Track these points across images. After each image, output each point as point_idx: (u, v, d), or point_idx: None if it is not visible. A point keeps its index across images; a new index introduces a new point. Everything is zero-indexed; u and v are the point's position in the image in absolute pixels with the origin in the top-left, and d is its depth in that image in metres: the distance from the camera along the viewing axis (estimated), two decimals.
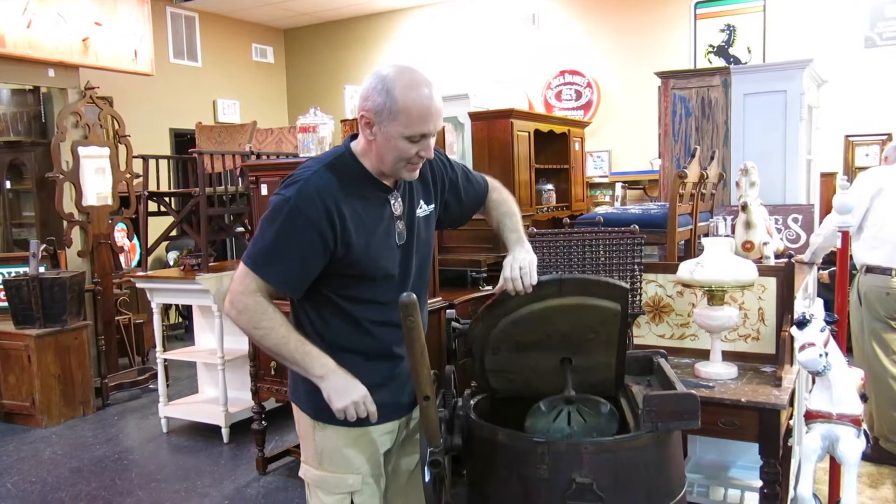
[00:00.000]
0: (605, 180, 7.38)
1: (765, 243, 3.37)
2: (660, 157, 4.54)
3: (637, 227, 2.79)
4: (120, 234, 6.21)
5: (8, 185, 6.03)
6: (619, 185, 7.11)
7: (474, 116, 4.95)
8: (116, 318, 5.90)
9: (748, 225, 3.38)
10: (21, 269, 5.03)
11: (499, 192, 2.12)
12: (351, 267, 1.75)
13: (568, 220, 2.93)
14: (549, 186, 5.59)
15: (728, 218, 3.81)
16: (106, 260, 5.70)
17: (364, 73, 8.89)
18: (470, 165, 5.16)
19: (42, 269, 5.08)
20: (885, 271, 3.76)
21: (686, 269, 2.63)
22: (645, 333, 3.02)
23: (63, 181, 5.41)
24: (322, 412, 1.80)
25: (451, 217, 2.05)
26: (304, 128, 3.57)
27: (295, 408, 1.90)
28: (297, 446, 3.69)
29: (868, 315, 3.81)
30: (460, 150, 5.22)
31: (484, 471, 1.89)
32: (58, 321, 4.95)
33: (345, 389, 1.72)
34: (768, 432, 2.35)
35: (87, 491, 3.75)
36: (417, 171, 1.78)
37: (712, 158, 3.87)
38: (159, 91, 7.83)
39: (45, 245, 5.17)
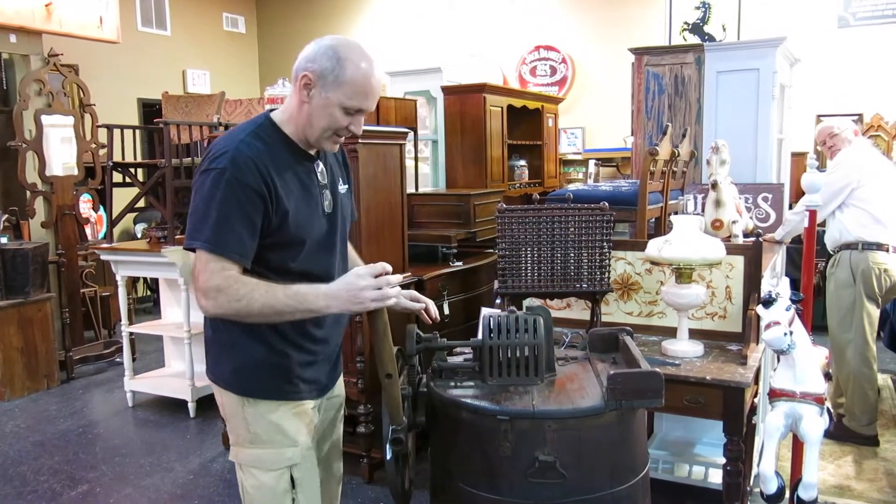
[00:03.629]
0: (579, 157, 7.37)
1: (734, 222, 3.39)
2: (632, 135, 4.53)
3: (607, 204, 2.77)
4: (85, 206, 6.06)
5: None
6: (592, 163, 7.10)
7: (447, 91, 4.90)
8: (82, 290, 5.79)
9: (718, 203, 3.39)
10: None
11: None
12: (282, 235, 1.69)
13: (538, 197, 2.90)
14: (522, 163, 5.58)
15: (698, 196, 3.81)
16: (70, 231, 5.57)
17: None
18: (442, 141, 5.13)
19: (4, 240, 4.95)
20: (879, 247, 3.76)
21: (654, 247, 2.62)
22: (613, 311, 3.02)
23: (26, 150, 5.26)
24: (251, 388, 1.76)
25: None
26: (272, 99, 3.49)
27: (218, 389, 1.81)
28: None
29: (863, 291, 3.77)
30: (433, 124, 5.17)
31: (447, 448, 1.88)
32: (20, 293, 4.84)
33: (351, 293, 1.62)
34: (732, 410, 2.37)
35: (49, 465, 3.70)
36: (337, 145, 1.80)
37: (684, 136, 3.87)
38: (127, 60, 7.63)
39: (6, 215, 5.04)
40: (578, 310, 3.10)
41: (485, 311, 1.98)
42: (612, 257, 2.95)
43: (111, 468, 3.67)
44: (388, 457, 1.79)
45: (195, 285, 1.65)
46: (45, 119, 5.34)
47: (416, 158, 4.94)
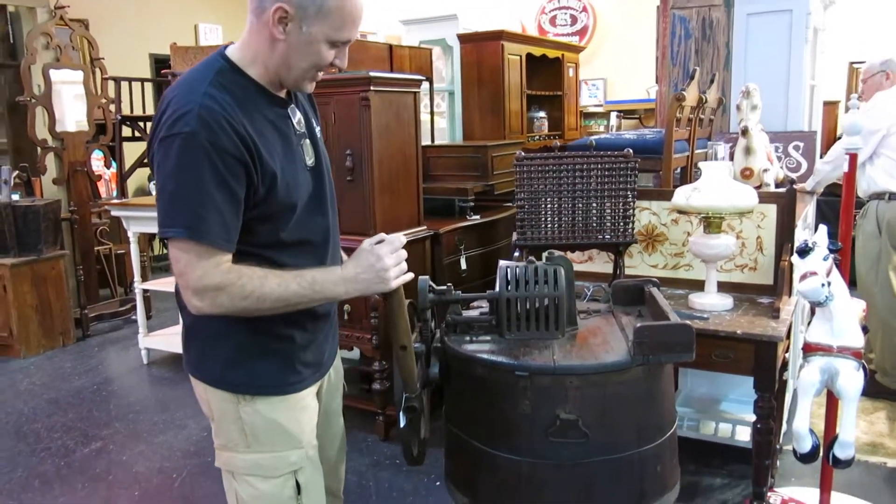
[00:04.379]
0: (600, 109, 7.15)
1: (765, 170, 3.22)
2: (657, 83, 4.34)
3: (631, 150, 2.62)
4: (97, 162, 5.99)
5: None
6: (614, 115, 6.90)
7: (463, 39, 4.72)
8: (97, 248, 5.74)
9: (748, 150, 3.21)
10: None
11: None
12: (271, 204, 1.43)
13: (558, 144, 2.75)
14: (542, 114, 5.41)
15: (727, 145, 3.64)
16: (83, 188, 5.50)
17: None
18: (459, 92, 4.95)
19: (16, 197, 4.89)
20: None
21: (682, 195, 2.48)
22: (637, 263, 2.90)
23: (35, 105, 5.16)
24: (247, 383, 1.52)
25: None
26: None
27: (201, 386, 1.55)
28: None
29: (888, 244, 3.64)
30: (449, 75, 4.99)
31: (462, 406, 1.78)
32: (33, 250, 4.79)
33: (373, 273, 1.44)
34: (764, 365, 2.25)
35: (63, 422, 3.68)
36: (315, 84, 1.52)
37: (712, 82, 3.67)
38: (137, 14, 7.45)
39: (17, 172, 4.96)
40: (601, 262, 2.98)
41: (503, 262, 1.85)
42: (637, 207, 2.81)
43: (125, 425, 3.63)
44: (402, 424, 1.69)
45: (181, 283, 1.38)
46: (53, 74, 5.23)
47: (431, 111, 4.80)
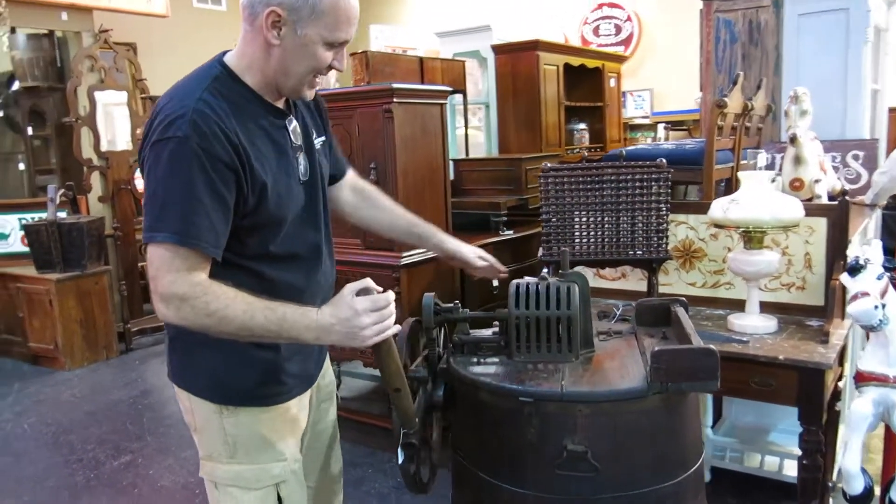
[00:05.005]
0: (647, 121, 6.94)
1: (816, 181, 3.00)
2: (701, 90, 4.14)
3: (664, 160, 2.46)
4: (141, 181, 6.08)
5: (30, 131, 5.94)
6: (661, 126, 6.67)
7: (497, 49, 4.62)
8: (140, 263, 5.81)
9: (798, 160, 3.01)
10: (42, 215, 4.93)
11: (386, 198, 1.86)
12: (261, 214, 1.39)
13: (586, 155, 2.61)
14: (582, 126, 5.25)
15: (777, 156, 3.43)
16: (127, 205, 5.58)
17: (391, 9, 8.51)
18: (493, 106, 4.84)
19: (62, 215, 4.98)
20: None
21: (719, 207, 2.30)
22: (674, 281, 2.72)
23: (80, 126, 5.27)
24: (232, 394, 1.47)
25: None
26: None
27: (185, 395, 1.51)
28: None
29: None
30: (485, 88, 4.90)
31: (467, 433, 1.66)
32: (77, 266, 4.87)
33: (348, 328, 1.29)
34: (810, 395, 2.05)
35: (97, 434, 3.69)
36: (314, 91, 1.47)
37: (759, 87, 3.47)
38: (183, 37, 7.60)
39: (63, 190, 5.06)
40: (635, 280, 2.81)
41: (516, 280, 1.73)
42: (672, 221, 2.65)
43: (155, 439, 3.62)
44: (401, 461, 1.57)
45: (152, 286, 1.32)
46: (98, 95, 5.34)
47: (465, 123, 4.70)
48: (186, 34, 7.69)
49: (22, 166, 6.04)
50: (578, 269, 2.93)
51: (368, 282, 1.33)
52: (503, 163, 3.99)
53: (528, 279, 1.74)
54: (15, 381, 4.57)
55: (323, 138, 1.61)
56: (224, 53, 1.45)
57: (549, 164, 2.57)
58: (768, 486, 2.79)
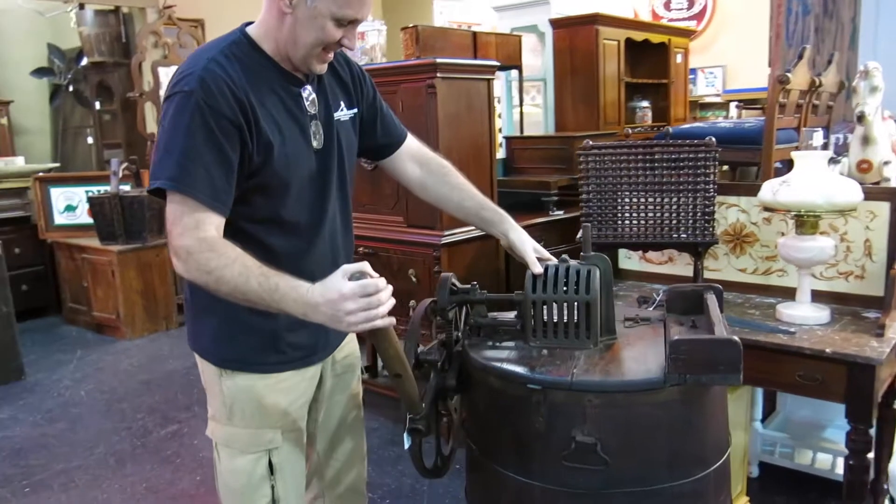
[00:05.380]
0: (718, 99, 6.63)
1: (886, 163, 2.78)
2: (769, 66, 3.91)
3: (713, 139, 2.32)
4: None
5: (98, 105, 6.14)
6: (733, 105, 6.37)
7: (555, 24, 4.48)
8: None
9: (866, 140, 2.79)
10: (106, 188, 5.10)
11: (457, 174, 1.82)
12: (267, 175, 1.41)
13: (629, 132, 2.49)
14: (645, 104, 5.05)
15: (849, 135, 3.21)
16: None
17: None
18: (551, 82, 4.71)
19: (125, 188, 5.14)
20: None
21: (769, 189, 2.16)
22: (723, 266, 2.59)
23: (144, 101, 5.42)
24: (229, 357, 1.52)
25: (364, 145, 1.70)
26: None
27: (197, 357, 1.59)
28: (368, 367, 3.54)
29: None
30: (544, 65, 4.76)
31: (478, 419, 1.61)
32: (138, 238, 5.02)
33: (333, 311, 1.26)
34: (858, 391, 1.92)
35: (149, 403, 3.80)
36: (326, 65, 1.48)
37: (829, 62, 3.25)
38: (252, 12, 7.68)
39: (126, 164, 5.22)
40: (682, 265, 2.69)
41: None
42: (724, 204, 2.52)
43: (203, 409, 3.63)
44: (407, 446, 1.53)
45: (168, 239, 1.36)
46: (161, 70, 5.46)
47: (520, 100, 4.59)
48: (257, 10, 7.80)
49: (90, 140, 6.25)
50: (623, 252, 2.84)
51: (365, 266, 1.30)
52: (556, 141, 3.88)
53: (549, 261, 1.66)
54: (78, 348, 4.76)
55: (354, 111, 1.61)
56: (249, 23, 1.49)
57: (590, 142, 2.48)
58: (819, 484, 2.64)
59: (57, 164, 6.11)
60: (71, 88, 6.35)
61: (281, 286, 1.29)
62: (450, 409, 1.73)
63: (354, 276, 1.26)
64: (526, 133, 4.61)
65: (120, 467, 3.08)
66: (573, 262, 1.61)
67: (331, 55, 1.47)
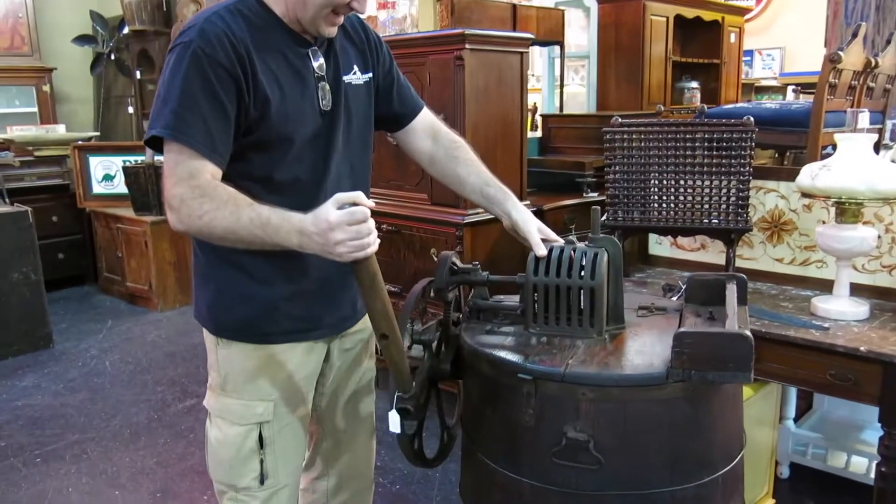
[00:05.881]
0: (775, 82, 6.33)
1: None
2: (825, 46, 3.68)
3: (751, 118, 2.16)
4: None
5: (139, 74, 6.16)
6: (790, 89, 6.06)
7: None
8: None
9: None
10: (142, 158, 5.13)
11: (467, 150, 1.74)
12: (265, 131, 1.38)
13: (662, 108, 2.34)
14: (694, 84, 4.85)
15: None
16: None
17: None
18: (594, 61, 4.53)
19: (161, 158, 5.14)
20: None
21: (808, 174, 2.00)
22: (758, 255, 2.43)
23: None
24: (223, 327, 1.50)
25: (380, 112, 1.64)
26: (382, 4, 3.16)
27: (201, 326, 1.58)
28: None
29: None
30: (589, 41, 4.59)
31: (471, 408, 1.51)
32: None
33: (323, 241, 1.21)
34: (894, 393, 1.75)
35: (170, 376, 3.81)
36: (336, 28, 1.44)
37: (889, 42, 3.02)
38: None
39: None
40: (715, 252, 2.54)
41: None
42: (762, 189, 2.37)
43: None
44: (394, 429, 1.44)
45: (163, 191, 1.35)
46: None
47: (561, 77, 4.44)
48: None
49: (131, 109, 6.29)
50: (654, 237, 2.70)
51: (358, 195, 1.23)
52: (594, 120, 3.73)
53: (556, 243, 1.55)
54: (109, 318, 4.82)
55: (369, 76, 1.57)
56: None
57: (618, 118, 2.33)
58: (852, 489, 2.47)
59: (97, 133, 6.15)
60: (113, 57, 6.37)
61: (273, 219, 1.25)
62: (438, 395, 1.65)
63: (345, 206, 1.21)
64: (562, 110, 4.46)
65: (133, 440, 3.08)
66: (580, 245, 1.49)
67: (340, 18, 1.43)
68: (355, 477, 1.79)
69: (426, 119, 1.73)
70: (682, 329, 1.25)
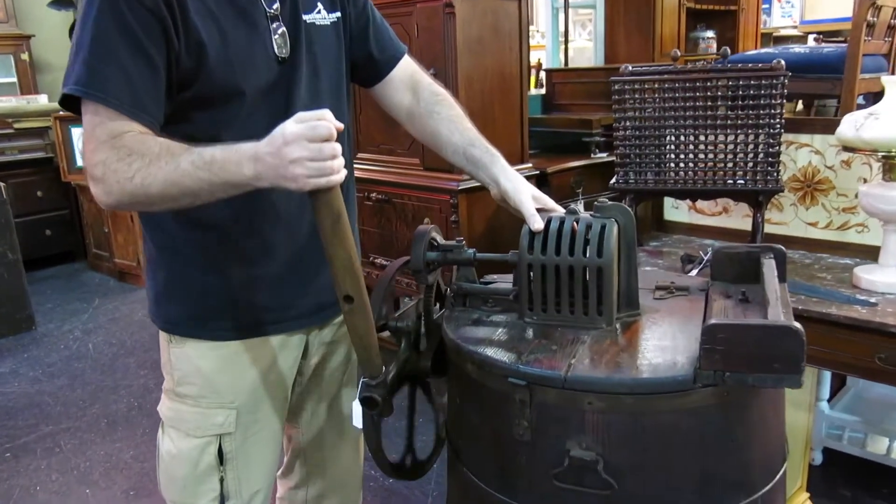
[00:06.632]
0: (795, 31, 5.96)
1: None
2: None
3: (781, 61, 1.87)
4: None
5: None
6: (811, 38, 5.71)
7: None
8: None
9: None
10: None
11: (451, 104, 1.45)
12: (205, 84, 1.13)
13: (678, 53, 2.05)
14: (709, 34, 4.52)
15: None
16: None
17: None
18: (601, 10, 4.20)
19: None
20: None
21: (851, 124, 1.72)
22: (789, 219, 2.16)
23: None
24: (174, 323, 1.28)
25: (356, 58, 1.41)
26: None
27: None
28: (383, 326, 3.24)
29: None
30: None
31: (454, 414, 1.27)
32: None
33: (278, 160, 1.00)
34: None
35: (154, 358, 3.57)
36: None
37: None
38: None
39: None
40: (739, 216, 2.27)
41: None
42: (793, 143, 2.09)
43: None
44: (356, 422, 1.21)
45: (84, 163, 1.14)
46: None
47: (566, 28, 4.13)
48: None
49: None
50: (669, 201, 2.43)
51: (325, 113, 1.01)
52: (602, 73, 3.44)
53: (555, 212, 1.29)
54: (97, 297, 4.61)
55: (336, 15, 1.33)
56: None
57: (629, 67, 2.05)
58: (894, 476, 2.23)
59: None
60: None
61: (217, 155, 1.04)
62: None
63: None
64: (567, 65, 4.15)
65: (110, 431, 2.88)
66: (584, 215, 1.23)
67: None
68: (340, 488, 1.58)
69: (406, 68, 1.47)
70: (713, 320, 0.99)
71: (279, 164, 1.00)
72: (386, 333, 1.27)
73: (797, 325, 0.94)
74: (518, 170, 2.71)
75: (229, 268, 1.25)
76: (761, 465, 1.10)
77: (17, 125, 5.11)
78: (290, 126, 1.00)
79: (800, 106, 3.21)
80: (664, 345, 1.10)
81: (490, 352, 1.11)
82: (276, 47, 1.21)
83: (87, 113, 1.08)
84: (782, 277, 1.23)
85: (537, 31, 6.10)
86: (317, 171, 0.99)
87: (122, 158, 1.05)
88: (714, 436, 1.03)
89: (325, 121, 1.00)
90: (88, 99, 1.07)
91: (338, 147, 1.01)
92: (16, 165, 4.99)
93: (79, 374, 3.42)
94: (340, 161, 1.02)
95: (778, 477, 1.13)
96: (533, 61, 4.71)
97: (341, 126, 1.02)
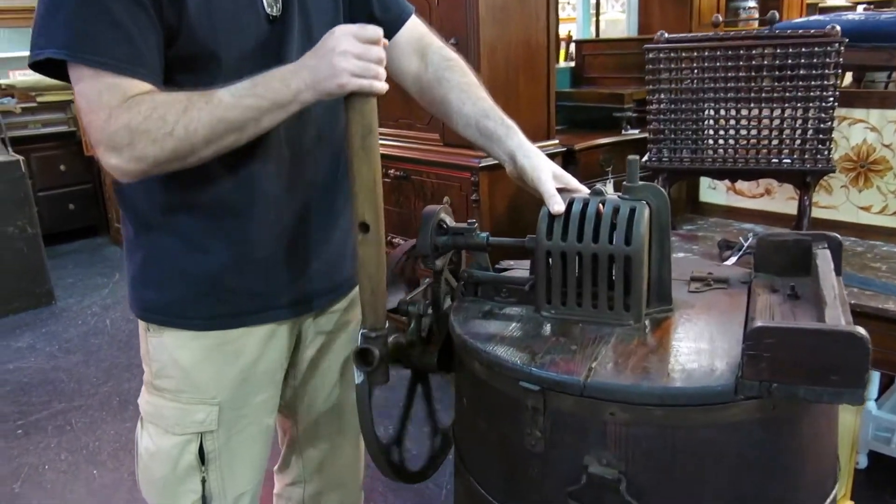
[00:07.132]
0: (843, 1, 5.66)
1: None
2: None
3: (837, 27, 1.69)
4: None
5: None
6: (861, 8, 5.41)
7: None
8: None
9: None
10: None
11: (464, 71, 1.31)
12: (189, 44, 1.02)
13: (720, 19, 1.88)
14: (751, 3, 4.26)
15: None
16: None
17: None
18: None
19: None
20: None
21: None
22: (839, 203, 1.99)
23: None
24: (151, 310, 1.17)
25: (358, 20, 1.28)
26: None
27: None
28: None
29: None
30: None
31: (462, 416, 1.14)
32: None
33: (323, 54, 0.98)
34: None
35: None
36: None
37: None
38: None
39: None
40: (782, 199, 2.10)
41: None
42: (846, 119, 1.91)
43: None
44: (358, 380, 1.09)
45: (93, 140, 1.00)
46: None
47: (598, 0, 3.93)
48: None
49: None
50: (705, 181, 2.26)
51: (376, 30, 1.01)
52: (634, 44, 3.25)
53: (578, 193, 1.15)
54: (117, 271, 4.54)
55: None
56: None
57: (665, 34, 1.88)
58: None
59: None
60: None
61: (258, 79, 1.00)
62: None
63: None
64: (597, 36, 3.96)
65: (121, 410, 2.81)
66: (612, 196, 1.09)
67: None
68: (339, 486, 1.48)
69: (414, 30, 1.32)
70: (759, 322, 0.85)
71: (324, 59, 0.97)
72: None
73: (861, 330, 0.79)
74: (544, 146, 2.60)
75: (213, 249, 1.13)
76: (809, 489, 0.96)
77: (39, 99, 5.06)
78: (340, 26, 1.00)
79: (848, 79, 3.00)
80: (700, 347, 0.95)
81: (500, 350, 0.98)
82: (266, 5, 1.09)
83: (82, 80, 0.97)
84: (838, 271, 1.08)
85: (568, 2, 5.89)
86: (361, 70, 0.97)
87: (149, 117, 0.96)
88: (756, 456, 0.89)
89: (370, 26, 0.99)
90: (84, 63, 0.96)
91: (383, 55, 1.01)
92: (39, 139, 4.95)
93: (94, 351, 3.36)
94: (384, 73, 1.00)
95: (831, 498, 0.99)
96: (563, 34, 4.52)
97: (387, 42, 1.04)
